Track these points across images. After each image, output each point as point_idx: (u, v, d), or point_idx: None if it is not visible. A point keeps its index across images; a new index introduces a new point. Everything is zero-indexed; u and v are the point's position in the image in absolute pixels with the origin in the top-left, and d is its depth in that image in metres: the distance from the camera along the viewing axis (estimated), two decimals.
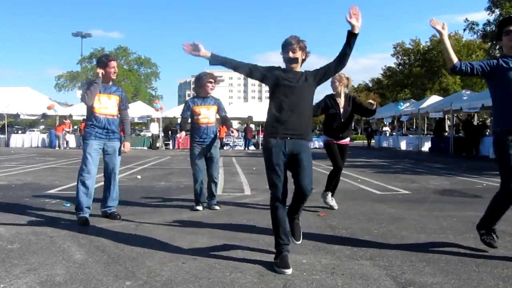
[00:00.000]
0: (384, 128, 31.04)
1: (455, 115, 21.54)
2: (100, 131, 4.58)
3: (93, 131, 4.56)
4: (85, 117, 4.85)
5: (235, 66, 3.26)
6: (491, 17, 17.97)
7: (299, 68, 3.28)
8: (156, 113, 24.16)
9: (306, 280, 2.81)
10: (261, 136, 26.16)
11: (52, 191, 6.70)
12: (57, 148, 21.56)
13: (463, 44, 33.55)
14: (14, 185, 7.46)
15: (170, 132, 24.60)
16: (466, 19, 19.45)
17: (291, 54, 3.18)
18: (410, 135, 26.98)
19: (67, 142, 22.58)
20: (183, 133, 5.76)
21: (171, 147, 23.86)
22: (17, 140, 23.63)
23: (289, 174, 3.22)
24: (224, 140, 25.05)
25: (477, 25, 18.94)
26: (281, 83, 3.18)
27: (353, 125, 5.67)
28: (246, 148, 24.32)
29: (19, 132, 28.75)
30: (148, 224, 4.40)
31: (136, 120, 24.37)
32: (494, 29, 17.63)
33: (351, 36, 3.16)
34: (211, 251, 3.44)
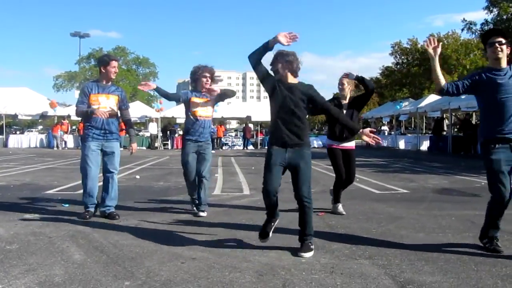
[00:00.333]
0: (383, 128, 31.09)
1: (453, 114, 21.55)
2: (98, 132, 4.62)
3: (90, 133, 4.61)
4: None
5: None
6: (489, 17, 18.01)
7: (290, 80, 3.48)
8: (155, 113, 24.13)
9: (305, 279, 2.81)
10: (259, 136, 26.19)
11: (50, 192, 6.70)
12: (55, 149, 21.51)
13: (461, 43, 33.60)
14: (13, 185, 7.45)
15: (168, 132, 24.58)
16: (464, 19, 19.52)
17: (273, 67, 3.48)
18: (409, 134, 27.04)
19: (65, 143, 22.54)
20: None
21: (169, 147, 23.83)
22: (15, 140, 23.55)
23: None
24: (222, 139, 25.07)
25: (475, 24, 18.99)
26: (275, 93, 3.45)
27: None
28: (245, 148, 24.31)
29: (17, 132, 28.68)
30: (147, 224, 4.40)
31: (134, 120, 24.34)
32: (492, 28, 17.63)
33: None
34: (210, 251, 3.45)
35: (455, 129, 24.52)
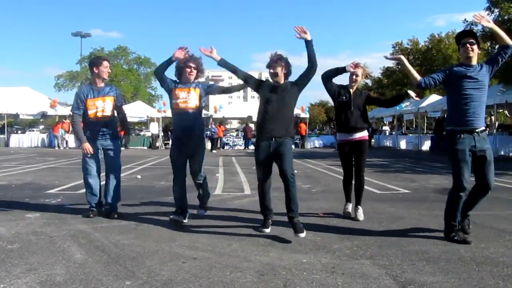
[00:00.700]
0: (384, 128, 31.04)
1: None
2: (98, 134, 4.71)
3: (90, 135, 4.70)
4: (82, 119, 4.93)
5: (235, 70, 4.24)
6: (490, 17, 17.94)
7: (282, 80, 4.11)
8: (156, 112, 24.13)
9: (306, 279, 2.81)
10: None
11: (51, 191, 6.70)
12: (56, 148, 21.54)
13: None
14: (14, 185, 7.46)
15: (169, 131, 24.58)
16: (465, 19, 19.46)
17: (272, 70, 4.07)
18: (410, 134, 26.99)
19: (66, 142, 22.56)
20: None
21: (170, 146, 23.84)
22: (17, 140, 23.60)
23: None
24: (224, 139, 25.07)
25: (476, 25, 18.92)
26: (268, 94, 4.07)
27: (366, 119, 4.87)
28: (246, 148, 24.31)
29: (19, 132, 28.73)
30: (148, 224, 4.40)
31: (136, 120, 24.36)
32: None
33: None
34: (211, 251, 3.45)
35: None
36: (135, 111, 22.92)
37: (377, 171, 10.59)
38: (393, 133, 28.55)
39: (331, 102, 5.41)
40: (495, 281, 2.78)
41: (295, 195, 3.88)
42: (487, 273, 2.92)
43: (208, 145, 22.32)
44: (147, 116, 24.69)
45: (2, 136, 23.57)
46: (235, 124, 59.92)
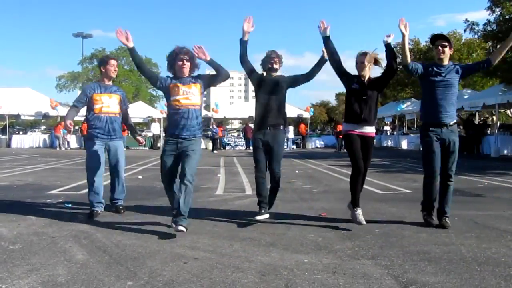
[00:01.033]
0: (385, 128, 31.00)
1: (455, 114, 21.45)
2: (102, 131, 4.76)
3: (95, 132, 4.75)
4: (85, 117, 4.98)
5: (244, 58, 4.58)
6: (492, 17, 17.90)
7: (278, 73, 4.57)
8: (157, 113, 24.15)
9: (307, 279, 2.81)
10: None
11: (53, 192, 6.72)
12: (58, 149, 21.56)
13: (464, 43, 33.50)
14: (16, 185, 7.48)
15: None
16: (466, 19, 19.35)
17: (275, 66, 4.56)
18: (411, 135, 26.95)
19: (68, 143, 22.59)
20: None
21: None
22: (18, 140, 23.63)
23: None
24: (224, 140, 25.07)
25: (477, 25, 18.87)
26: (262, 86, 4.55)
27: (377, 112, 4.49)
28: (247, 148, 24.30)
29: (20, 132, 28.74)
30: (149, 224, 4.40)
31: (137, 120, 24.35)
32: (494, 28, 17.53)
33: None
34: (212, 251, 3.45)
35: (458, 129, 24.45)
36: (136, 111, 22.90)
37: (379, 171, 10.58)
38: (395, 133, 28.51)
39: (332, 102, 5.38)
40: (496, 281, 2.78)
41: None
42: (488, 273, 2.92)
43: (210, 145, 22.36)
44: (148, 117, 24.70)
45: (3, 136, 23.62)
46: (236, 125, 59.88)
